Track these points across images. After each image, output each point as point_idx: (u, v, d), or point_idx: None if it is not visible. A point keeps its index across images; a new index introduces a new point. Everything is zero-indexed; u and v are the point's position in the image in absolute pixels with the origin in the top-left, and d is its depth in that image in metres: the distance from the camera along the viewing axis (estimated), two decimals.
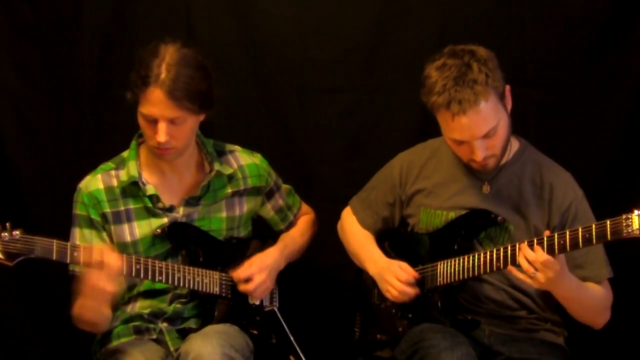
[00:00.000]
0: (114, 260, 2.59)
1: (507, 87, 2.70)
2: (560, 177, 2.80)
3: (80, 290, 2.61)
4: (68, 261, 2.56)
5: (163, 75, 2.62)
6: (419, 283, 2.84)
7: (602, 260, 2.74)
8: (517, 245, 2.56)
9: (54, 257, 2.54)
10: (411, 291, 2.82)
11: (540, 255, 2.50)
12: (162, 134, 2.67)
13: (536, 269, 2.50)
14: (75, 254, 2.56)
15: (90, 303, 2.61)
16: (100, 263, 2.56)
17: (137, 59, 2.69)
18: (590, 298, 2.69)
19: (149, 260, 2.72)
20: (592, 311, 2.73)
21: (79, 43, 3.37)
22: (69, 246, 2.56)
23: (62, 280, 2.83)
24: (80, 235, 2.79)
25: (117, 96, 3.09)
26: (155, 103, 2.64)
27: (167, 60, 2.64)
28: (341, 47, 3.41)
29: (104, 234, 2.79)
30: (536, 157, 2.85)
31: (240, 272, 2.87)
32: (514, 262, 2.57)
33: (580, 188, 2.80)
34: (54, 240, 2.54)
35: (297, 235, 3.08)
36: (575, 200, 2.76)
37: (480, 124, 2.62)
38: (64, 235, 2.72)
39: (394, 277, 2.84)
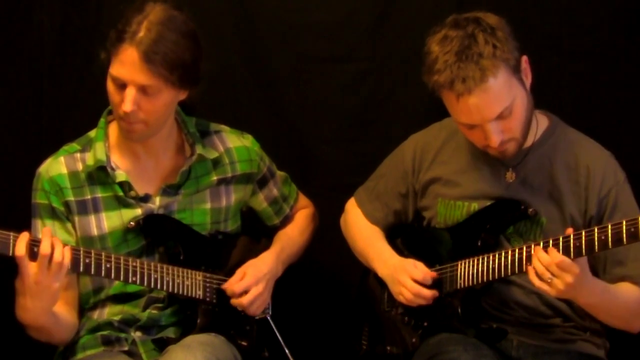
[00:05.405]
0: (60, 252, 2.52)
1: (524, 58, 2.67)
2: (599, 158, 2.77)
3: (18, 289, 2.55)
4: (10, 254, 2.50)
5: (141, 34, 2.60)
6: (437, 286, 2.81)
7: None
8: (532, 246, 2.55)
9: (11, 253, 2.48)
10: (428, 293, 2.79)
11: (554, 257, 2.47)
12: (128, 102, 2.62)
13: (552, 274, 2.48)
14: (36, 249, 2.51)
15: (32, 303, 2.55)
16: (49, 257, 2.50)
17: (119, 15, 2.67)
18: (621, 302, 2.66)
19: (121, 257, 2.68)
20: (624, 317, 2.70)
21: (38, 5, 3.34)
22: (11, 236, 2.49)
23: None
24: (42, 228, 2.72)
25: (82, 66, 3.05)
26: (126, 63, 2.60)
27: (150, 17, 2.62)
28: (345, 10, 3.39)
29: (69, 225, 2.76)
30: (569, 135, 2.82)
31: (234, 286, 2.85)
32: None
33: (622, 171, 2.77)
34: (11, 233, 2.49)
35: (295, 235, 3.07)
36: (615, 186, 2.72)
37: (491, 103, 2.59)
38: (22, 228, 2.61)
39: (408, 276, 2.81)
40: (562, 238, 2.51)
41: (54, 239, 2.53)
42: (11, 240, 2.49)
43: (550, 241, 2.51)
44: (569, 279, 2.47)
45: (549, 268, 2.48)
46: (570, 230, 2.51)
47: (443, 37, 2.62)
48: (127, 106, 2.62)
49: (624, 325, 2.72)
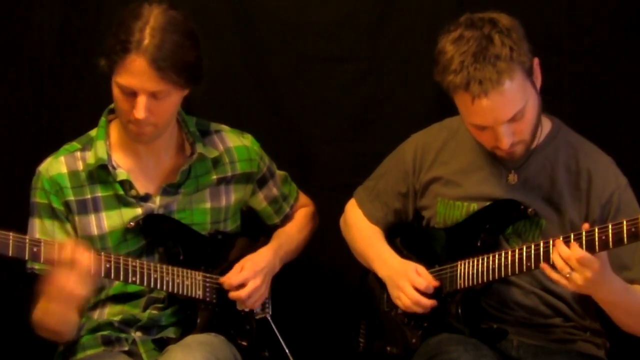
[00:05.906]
0: (86, 258, 2.54)
1: (536, 61, 2.66)
2: (600, 163, 2.76)
3: (43, 292, 2.56)
4: (27, 258, 2.52)
5: (146, 41, 2.59)
6: (436, 290, 2.80)
7: None
8: (551, 241, 2.52)
9: (10, 253, 2.48)
10: (427, 303, 2.79)
11: (575, 251, 2.45)
12: (140, 109, 2.62)
13: (572, 268, 2.46)
14: (35, 250, 2.51)
15: (55, 307, 2.57)
16: (70, 261, 2.51)
17: (115, 21, 2.65)
18: (639, 303, 2.65)
19: (121, 257, 2.69)
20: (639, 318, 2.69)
21: (38, 5, 3.34)
22: (27, 240, 2.51)
23: (18, 280, 2.82)
24: (40, 227, 2.74)
25: (82, 66, 3.04)
26: (135, 73, 2.60)
27: (151, 23, 2.61)
28: (345, 10, 3.39)
29: (68, 226, 2.76)
30: (571, 139, 2.81)
31: (232, 278, 2.85)
32: (548, 261, 2.53)
33: (623, 175, 2.76)
34: (10, 233, 2.49)
35: (293, 232, 3.06)
36: (617, 190, 2.72)
37: (505, 106, 2.59)
38: (22, 228, 2.67)
39: (409, 283, 2.81)
40: (563, 238, 2.50)
41: (78, 246, 2.54)
42: (11, 240, 2.47)
43: (572, 235, 2.49)
44: (588, 274, 2.45)
45: (568, 262, 2.46)
46: (586, 226, 2.48)
47: (458, 36, 2.60)
48: (140, 114, 2.62)
49: (636, 327, 2.71)
